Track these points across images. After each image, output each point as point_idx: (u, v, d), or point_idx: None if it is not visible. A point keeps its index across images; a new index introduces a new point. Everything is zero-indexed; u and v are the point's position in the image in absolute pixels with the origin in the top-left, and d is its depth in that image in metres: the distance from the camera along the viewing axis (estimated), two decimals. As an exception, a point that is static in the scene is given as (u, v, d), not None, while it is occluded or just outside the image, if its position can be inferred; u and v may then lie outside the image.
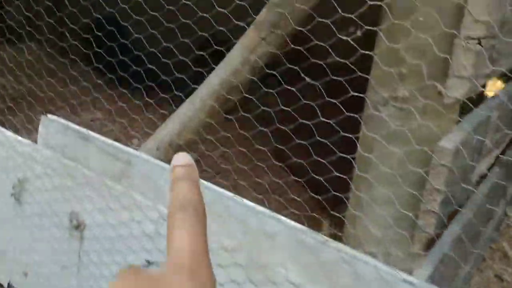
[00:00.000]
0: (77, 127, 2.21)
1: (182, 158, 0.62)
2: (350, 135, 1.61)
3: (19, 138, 2.34)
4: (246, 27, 1.78)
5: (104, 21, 2.70)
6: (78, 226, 2.19)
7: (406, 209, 1.54)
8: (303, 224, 1.74)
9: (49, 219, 2.29)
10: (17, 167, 2.35)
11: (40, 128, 2.33)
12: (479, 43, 1.34)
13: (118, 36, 2.47)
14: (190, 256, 0.56)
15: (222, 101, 2.00)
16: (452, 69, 1.38)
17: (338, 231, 1.76)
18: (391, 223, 1.56)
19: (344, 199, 1.67)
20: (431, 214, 1.48)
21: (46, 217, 2.30)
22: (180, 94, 2.03)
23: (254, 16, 1.77)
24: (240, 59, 1.92)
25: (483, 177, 1.99)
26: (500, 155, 2.11)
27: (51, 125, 2.28)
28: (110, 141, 2.13)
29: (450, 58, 1.38)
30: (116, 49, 2.36)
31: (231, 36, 1.89)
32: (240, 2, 1.77)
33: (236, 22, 1.77)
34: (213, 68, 1.97)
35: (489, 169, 2.04)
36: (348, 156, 1.61)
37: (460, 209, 1.78)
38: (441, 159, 1.43)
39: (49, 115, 2.30)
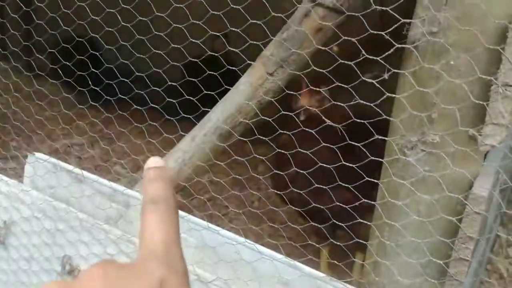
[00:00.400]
0: (69, 166, 2.09)
1: (154, 162, 0.66)
2: (373, 180, 1.55)
3: (4, 178, 2.20)
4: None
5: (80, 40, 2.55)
6: (72, 271, 2.07)
7: (434, 257, 1.49)
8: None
9: (38, 263, 2.16)
10: (2, 208, 2.21)
11: (27, 168, 2.20)
12: (517, 90, 1.30)
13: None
14: (162, 245, 0.59)
15: (226, 135, 1.92)
16: (489, 116, 1.33)
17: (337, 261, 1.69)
18: (418, 269, 1.51)
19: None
20: (463, 262, 1.43)
21: (35, 262, 2.16)
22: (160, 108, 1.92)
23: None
24: (247, 95, 1.85)
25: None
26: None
27: (39, 164, 2.15)
28: (106, 181, 2.01)
29: (485, 104, 1.34)
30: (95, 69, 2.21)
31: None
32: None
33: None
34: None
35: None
36: (375, 203, 1.55)
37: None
38: (475, 207, 1.38)
39: (37, 154, 2.17)
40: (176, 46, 1.78)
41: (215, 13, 1.62)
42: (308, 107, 2.09)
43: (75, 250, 2.04)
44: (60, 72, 2.27)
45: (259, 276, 1.74)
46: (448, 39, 1.38)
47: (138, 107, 1.99)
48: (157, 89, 1.87)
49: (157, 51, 1.82)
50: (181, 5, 1.74)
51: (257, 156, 1.67)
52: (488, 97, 1.34)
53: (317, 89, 2.06)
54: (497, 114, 1.32)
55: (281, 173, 1.71)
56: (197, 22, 1.68)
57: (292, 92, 1.94)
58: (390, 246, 1.56)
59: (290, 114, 1.64)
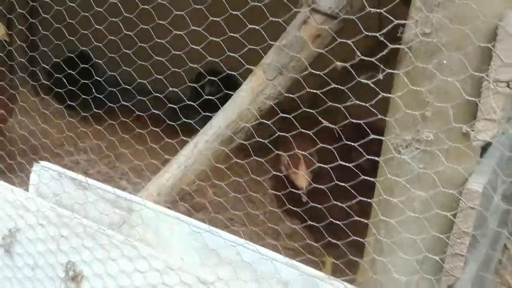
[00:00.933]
0: (73, 174, 2.13)
1: None
2: (369, 178, 1.59)
3: (10, 186, 2.24)
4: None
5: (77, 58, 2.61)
6: (75, 277, 2.09)
7: (430, 253, 1.51)
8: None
9: (42, 270, 2.18)
10: (7, 217, 2.24)
11: (32, 176, 2.24)
12: (508, 86, 1.34)
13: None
14: None
15: (227, 141, 1.97)
16: (481, 112, 1.37)
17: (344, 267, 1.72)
18: (414, 266, 1.53)
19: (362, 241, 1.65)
20: (459, 257, 1.46)
21: (39, 269, 2.19)
22: (174, 123, 1.96)
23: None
24: (247, 101, 1.90)
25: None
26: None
27: (44, 172, 2.19)
28: (109, 187, 2.05)
29: (477, 100, 1.38)
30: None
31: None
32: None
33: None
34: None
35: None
36: (370, 200, 1.59)
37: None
38: (469, 202, 1.41)
39: (42, 162, 2.22)
40: (176, 52, 1.84)
41: (215, 19, 1.68)
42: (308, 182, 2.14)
43: (79, 256, 2.07)
44: (65, 81, 2.32)
45: (259, 276, 1.76)
46: (441, 39, 1.43)
47: (140, 113, 2.04)
48: (159, 95, 1.93)
49: (158, 58, 1.87)
50: (181, 12, 1.80)
51: (257, 158, 1.71)
52: (480, 94, 1.38)
53: (312, 160, 2.11)
54: (489, 109, 1.36)
55: (295, 191, 1.75)
56: (197, 28, 1.73)
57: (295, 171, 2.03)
58: (386, 243, 1.59)
59: (288, 116, 1.68)
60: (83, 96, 2.22)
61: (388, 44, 1.47)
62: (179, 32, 1.77)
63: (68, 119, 2.23)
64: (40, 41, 2.47)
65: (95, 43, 2.10)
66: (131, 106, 2.02)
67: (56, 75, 2.29)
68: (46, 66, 2.36)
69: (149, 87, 1.95)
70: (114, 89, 2.10)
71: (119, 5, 2.02)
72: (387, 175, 1.56)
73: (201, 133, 2.06)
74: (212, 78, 2.13)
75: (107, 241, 2.00)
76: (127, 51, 2.06)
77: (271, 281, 1.75)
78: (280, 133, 1.66)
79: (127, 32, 1.93)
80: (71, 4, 2.21)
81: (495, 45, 1.34)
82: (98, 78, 2.14)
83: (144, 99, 1.98)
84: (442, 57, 1.43)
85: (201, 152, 2.02)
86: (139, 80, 1.94)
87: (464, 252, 1.44)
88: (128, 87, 2.14)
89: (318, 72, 1.57)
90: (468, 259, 1.50)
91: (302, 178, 2.03)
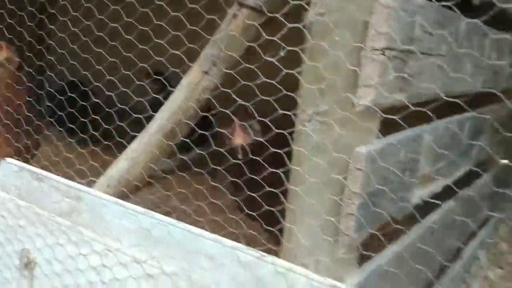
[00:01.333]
0: (31, 167, 2.29)
1: None
2: (280, 151, 1.73)
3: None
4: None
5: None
6: (28, 264, 2.22)
7: (331, 216, 1.63)
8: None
9: (1, 260, 2.32)
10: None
11: None
12: (383, 54, 1.49)
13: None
14: None
15: (170, 135, 2.13)
16: (361, 80, 1.51)
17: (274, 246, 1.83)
18: (318, 231, 1.64)
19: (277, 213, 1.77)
20: (351, 217, 1.57)
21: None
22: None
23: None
24: (186, 94, 2.07)
25: (429, 203, 2.03)
26: (456, 189, 2.16)
27: (8, 168, 2.36)
28: (61, 179, 2.21)
29: (357, 70, 1.53)
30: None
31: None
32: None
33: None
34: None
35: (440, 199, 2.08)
36: (278, 171, 1.72)
37: (402, 228, 1.86)
38: (356, 164, 1.54)
39: (7, 158, 2.39)
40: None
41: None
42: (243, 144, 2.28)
43: (33, 243, 2.21)
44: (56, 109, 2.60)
45: (187, 252, 1.87)
46: (333, 17, 1.59)
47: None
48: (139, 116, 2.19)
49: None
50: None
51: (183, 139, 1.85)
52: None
53: (247, 124, 2.26)
54: (367, 76, 1.51)
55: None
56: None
57: (224, 131, 2.18)
58: (297, 211, 1.71)
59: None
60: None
61: (287, 23, 1.64)
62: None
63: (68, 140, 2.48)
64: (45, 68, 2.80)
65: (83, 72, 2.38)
66: (113, 130, 2.27)
67: (53, 102, 2.60)
68: (50, 90, 2.68)
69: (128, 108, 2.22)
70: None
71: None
72: (296, 147, 1.70)
73: (147, 128, 2.22)
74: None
75: (57, 228, 2.14)
76: (112, 78, 2.32)
77: (199, 256, 1.86)
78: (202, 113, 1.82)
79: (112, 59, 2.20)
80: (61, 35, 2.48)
81: (372, 17, 1.50)
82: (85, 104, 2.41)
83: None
84: (334, 34, 1.59)
85: (146, 145, 2.17)
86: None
87: (354, 212, 1.56)
88: (110, 110, 2.40)
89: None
90: (362, 221, 1.61)
91: (237, 136, 2.13)
